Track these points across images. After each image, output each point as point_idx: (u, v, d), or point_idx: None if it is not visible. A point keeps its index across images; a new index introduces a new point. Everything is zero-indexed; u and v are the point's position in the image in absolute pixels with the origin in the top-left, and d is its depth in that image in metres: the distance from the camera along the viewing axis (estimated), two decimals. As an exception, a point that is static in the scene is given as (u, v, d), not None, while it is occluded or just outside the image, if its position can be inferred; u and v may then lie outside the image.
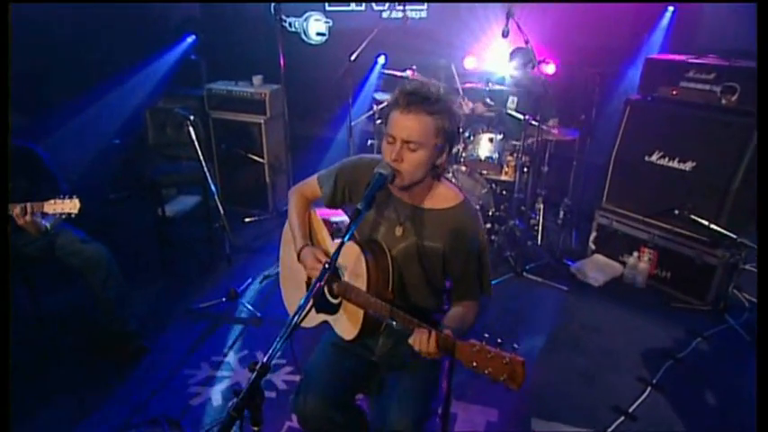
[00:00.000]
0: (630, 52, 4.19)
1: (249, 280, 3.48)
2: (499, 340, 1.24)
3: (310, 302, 1.26)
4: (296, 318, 1.23)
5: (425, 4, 5.09)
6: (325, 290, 1.78)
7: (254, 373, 1.12)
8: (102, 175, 4.19)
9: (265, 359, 1.15)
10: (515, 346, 1.23)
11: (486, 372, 1.25)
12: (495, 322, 3.09)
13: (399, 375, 1.68)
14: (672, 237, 3.34)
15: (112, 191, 4.37)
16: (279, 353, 1.18)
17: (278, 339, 1.19)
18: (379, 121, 4.18)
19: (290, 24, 5.31)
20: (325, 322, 1.81)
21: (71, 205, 2.36)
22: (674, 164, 3.29)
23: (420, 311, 1.57)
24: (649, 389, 2.61)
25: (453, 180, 3.58)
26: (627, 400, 2.53)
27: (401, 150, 1.49)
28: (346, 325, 1.71)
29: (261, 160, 4.28)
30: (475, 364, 1.27)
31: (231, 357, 2.83)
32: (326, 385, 1.67)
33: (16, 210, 2.33)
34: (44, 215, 2.36)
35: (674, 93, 3.29)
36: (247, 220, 4.34)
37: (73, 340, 2.92)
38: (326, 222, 1.86)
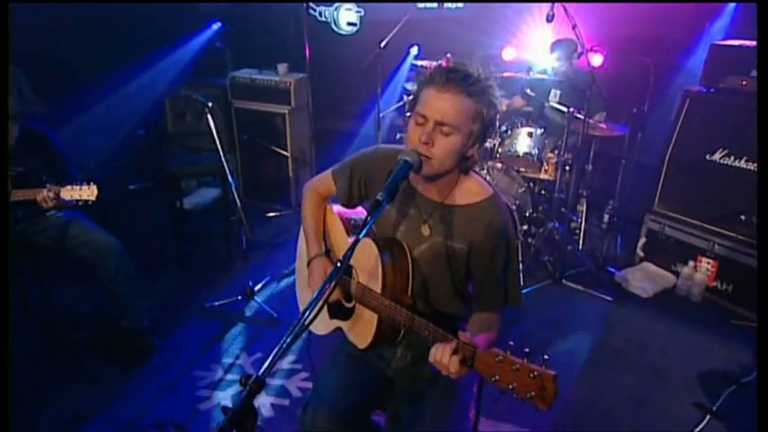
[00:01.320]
0: (689, 40, 3.97)
1: (267, 278, 3.40)
2: (526, 350, 1.09)
3: (317, 309, 1.10)
4: (296, 328, 1.07)
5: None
6: (339, 292, 1.65)
7: (246, 390, 0.96)
8: (122, 165, 4.18)
9: (260, 372, 0.98)
10: (546, 357, 1.07)
11: (510, 387, 1.09)
12: (531, 333, 2.94)
13: (418, 409, 1.52)
14: (735, 245, 3.14)
15: (132, 182, 4.36)
16: (292, 358, 1.02)
17: (276, 350, 1.03)
18: (408, 115, 4.02)
19: (320, 14, 5.22)
20: (339, 329, 1.69)
21: (89, 192, 2.34)
22: (741, 164, 3.08)
23: (444, 319, 1.44)
24: (708, 417, 2.38)
25: (487, 176, 3.40)
26: (681, 428, 2.32)
27: (433, 133, 1.34)
28: (360, 332, 1.58)
29: (285, 153, 4.22)
30: (497, 377, 1.11)
31: (244, 360, 2.73)
32: (337, 400, 1.53)
33: (42, 194, 2.32)
34: (60, 200, 2.34)
35: (744, 83, 3.05)
36: (270, 215, 4.26)
37: (83, 334, 2.88)
38: (343, 219, 1.73)
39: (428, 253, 1.51)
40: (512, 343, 1.14)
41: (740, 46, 3.17)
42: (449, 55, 3.78)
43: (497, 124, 1.45)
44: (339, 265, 1.16)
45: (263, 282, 3.34)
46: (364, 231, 1.24)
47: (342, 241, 1.71)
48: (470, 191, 1.48)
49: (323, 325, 1.74)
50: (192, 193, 4.47)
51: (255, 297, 3.16)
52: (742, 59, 3.07)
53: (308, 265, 1.68)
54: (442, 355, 1.22)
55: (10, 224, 2.44)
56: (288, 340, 1.04)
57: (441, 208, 1.49)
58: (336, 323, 1.69)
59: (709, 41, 3.40)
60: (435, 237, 1.50)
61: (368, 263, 1.52)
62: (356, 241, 1.19)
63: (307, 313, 1.08)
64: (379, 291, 1.48)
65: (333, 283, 1.15)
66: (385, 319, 1.47)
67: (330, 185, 1.70)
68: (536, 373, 1.06)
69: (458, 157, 1.39)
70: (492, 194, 1.47)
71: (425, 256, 1.51)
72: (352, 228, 1.72)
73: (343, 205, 1.69)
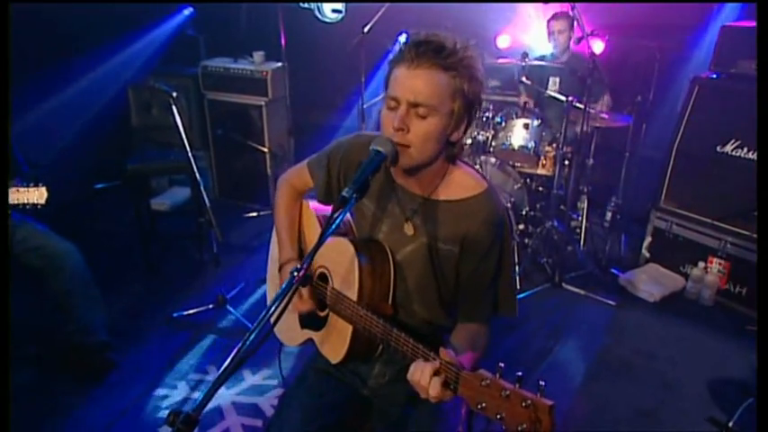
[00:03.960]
0: (698, 22, 3.91)
1: (242, 284, 3.28)
2: (519, 373, 0.98)
3: (267, 327, 0.96)
4: (246, 344, 0.94)
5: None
6: (310, 303, 1.52)
7: (174, 432, 0.81)
8: (86, 162, 4.03)
9: (193, 409, 0.84)
10: (542, 383, 0.97)
11: (499, 417, 0.98)
12: (528, 342, 2.86)
13: None
14: (748, 244, 3.09)
15: (98, 180, 4.20)
16: (266, 372, 0.89)
17: (214, 381, 0.90)
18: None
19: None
20: (311, 341, 1.57)
21: (37, 194, 2.22)
22: (754, 156, 3.03)
23: (430, 332, 1.36)
24: (724, 433, 2.30)
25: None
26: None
27: (406, 116, 1.22)
28: (333, 345, 1.47)
29: (262, 148, 4.10)
30: (483, 404, 1.01)
31: (213, 376, 2.57)
32: (305, 423, 1.41)
33: None
34: None
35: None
36: (249, 215, 4.13)
37: (31, 350, 2.72)
38: (321, 217, 1.62)
39: (412, 256, 1.39)
40: (502, 365, 1.02)
41: (754, 27, 3.06)
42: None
43: (481, 103, 1.32)
44: (296, 274, 1.03)
45: (237, 289, 3.22)
46: (330, 230, 1.11)
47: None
48: (461, 184, 1.36)
49: (294, 335, 1.62)
50: (164, 193, 4.34)
51: (228, 306, 3.03)
52: (755, 42, 2.97)
53: (279, 270, 1.56)
54: (422, 376, 1.10)
55: (10, 225, 2.31)
56: (230, 367, 0.91)
57: (426, 203, 1.37)
58: (308, 333, 1.57)
59: (720, 23, 3.36)
60: (420, 237, 1.38)
61: (344, 267, 1.41)
62: (317, 246, 1.06)
63: (250, 335, 0.94)
64: (354, 298, 1.37)
65: (287, 296, 1.02)
66: (360, 331, 1.36)
67: (306, 179, 1.58)
68: (529, 401, 0.95)
69: (439, 142, 1.27)
70: (486, 188, 1.36)
71: (409, 260, 1.40)
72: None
73: (321, 201, 1.57)
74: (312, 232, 1.62)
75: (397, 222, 1.40)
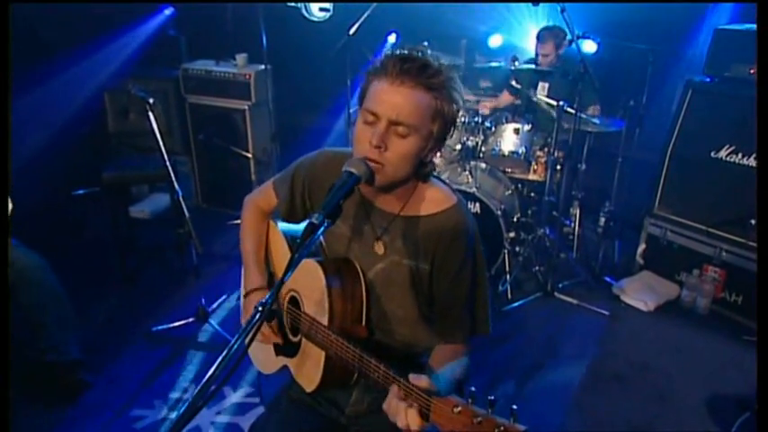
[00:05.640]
0: (691, 24, 3.95)
1: (224, 296, 3.23)
2: (491, 397, 0.96)
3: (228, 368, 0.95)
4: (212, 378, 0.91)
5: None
6: (286, 322, 1.51)
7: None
8: (64, 168, 3.98)
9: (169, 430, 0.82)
10: (514, 407, 0.96)
11: None
12: (519, 354, 2.85)
13: None
14: (744, 252, 3.07)
15: (77, 187, 4.14)
16: (247, 390, 0.89)
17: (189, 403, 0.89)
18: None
19: (289, -2, 5.06)
20: (286, 367, 1.53)
21: None
22: (749, 161, 3.02)
23: (410, 354, 1.34)
24: (720, 450, 2.29)
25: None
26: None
27: (385, 134, 1.20)
28: (307, 372, 1.43)
29: (246, 154, 4.06)
30: None
31: (193, 394, 2.51)
32: None
33: None
34: None
35: (752, 72, 2.99)
36: (232, 223, 4.08)
37: None
38: (288, 238, 1.57)
39: (383, 275, 1.38)
40: (473, 389, 1.01)
41: (748, 30, 3.09)
42: (425, 44, 3.66)
43: (456, 125, 1.33)
44: (261, 308, 1.01)
45: (219, 301, 3.18)
46: (298, 257, 1.07)
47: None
48: (431, 199, 1.35)
49: (268, 362, 1.59)
50: (144, 200, 4.28)
51: (210, 319, 2.98)
52: (750, 45, 2.95)
53: (245, 297, 1.52)
54: (395, 405, 1.06)
55: (10, 227, 2.28)
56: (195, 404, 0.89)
57: (396, 221, 1.35)
58: (283, 360, 1.53)
59: (714, 26, 3.34)
60: (392, 255, 1.36)
61: (314, 290, 1.37)
62: (282, 279, 1.04)
63: (215, 373, 0.91)
64: (326, 323, 1.34)
65: (251, 333, 0.99)
66: (333, 358, 1.32)
67: (271, 198, 1.55)
68: (502, 427, 0.92)
69: (413, 163, 1.26)
70: (456, 202, 1.35)
71: (382, 279, 1.38)
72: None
73: (285, 220, 1.54)
74: (280, 255, 1.58)
75: (368, 241, 1.39)
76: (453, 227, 1.32)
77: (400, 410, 1.05)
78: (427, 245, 1.33)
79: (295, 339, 1.47)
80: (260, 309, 1.02)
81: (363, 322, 1.37)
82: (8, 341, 1.84)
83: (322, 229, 1.09)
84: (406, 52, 1.22)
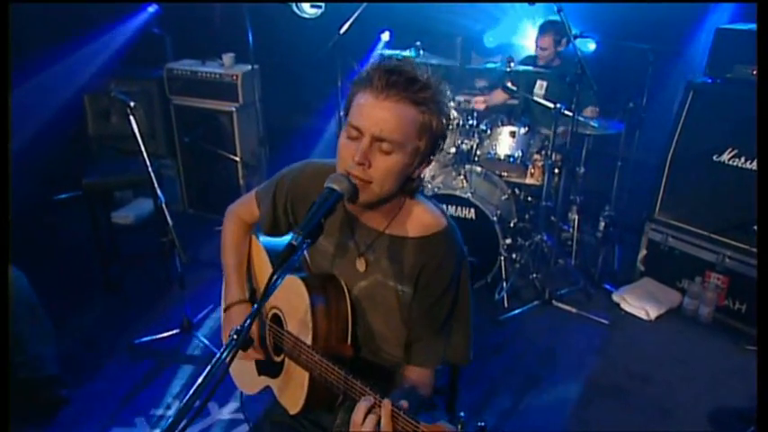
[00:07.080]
0: (692, 23, 3.91)
1: (210, 306, 3.19)
2: (481, 424, 0.97)
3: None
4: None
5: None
6: (268, 341, 1.47)
7: None
8: (44, 172, 3.92)
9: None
10: (481, 424, 0.98)
11: None
12: (516, 365, 2.84)
13: None
14: (747, 259, 3.05)
15: (58, 191, 4.08)
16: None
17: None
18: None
19: (280, -6, 5.01)
20: (269, 388, 1.49)
21: None
22: (752, 165, 3.00)
23: (398, 372, 1.37)
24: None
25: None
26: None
27: (369, 150, 1.17)
28: (290, 393, 1.40)
29: (233, 157, 4.02)
30: None
31: (176, 410, 2.46)
32: None
33: None
34: None
35: (755, 73, 2.96)
36: (219, 228, 4.00)
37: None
38: (270, 252, 1.54)
39: (366, 293, 1.35)
40: (462, 414, 1.00)
41: (750, 30, 3.07)
42: (418, 43, 3.64)
43: (446, 138, 1.30)
44: (236, 336, 0.97)
45: (205, 311, 3.14)
46: (279, 276, 1.04)
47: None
48: (419, 221, 1.32)
49: (251, 382, 1.55)
50: (128, 205, 4.23)
51: (195, 331, 2.95)
52: (752, 45, 2.94)
53: (225, 311, 1.50)
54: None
55: (11, 225, 2.25)
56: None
57: (382, 239, 1.33)
58: (266, 381, 1.49)
59: (715, 25, 3.33)
60: (375, 274, 1.34)
61: (297, 308, 1.34)
62: (257, 308, 1.01)
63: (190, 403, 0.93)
64: (309, 342, 1.30)
65: (228, 358, 0.95)
66: (317, 379, 1.29)
67: (254, 209, 1.52)
68: None
69: (399, 180, 1.23)
70: (445, 227, 1.32)
71: (365, 296, 1.35)
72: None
73: (268, 234, 1.51)
74: (263, 269, 1.55)
75: (351, 257, 1.36)
76: (442, 254, 1.30)
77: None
78: (413, 269, 1.31)
79: (278, 359, 1.43)
80: (234, 336, 0.98)
81: (349, 341, 1.34)
82: (7, 344, 1.85)
83: (301, 250, 1.05)
84: (393, 63, 1.19)
